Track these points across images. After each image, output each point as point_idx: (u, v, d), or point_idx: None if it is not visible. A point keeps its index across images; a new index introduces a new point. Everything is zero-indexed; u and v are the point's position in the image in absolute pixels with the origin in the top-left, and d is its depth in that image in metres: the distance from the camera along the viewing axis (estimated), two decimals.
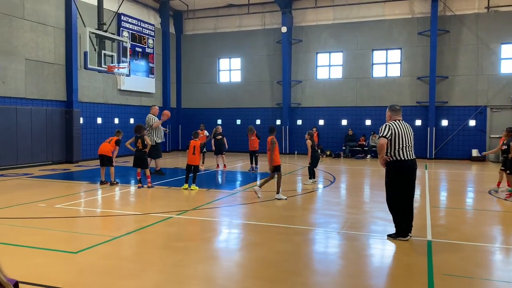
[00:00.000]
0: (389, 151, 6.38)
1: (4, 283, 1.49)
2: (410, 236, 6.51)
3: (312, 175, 12.48)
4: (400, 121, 6.55)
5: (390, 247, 6.27)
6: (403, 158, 6.35)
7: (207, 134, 16.86)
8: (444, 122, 20.57)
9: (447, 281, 4.87)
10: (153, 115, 14.56)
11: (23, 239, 6.42)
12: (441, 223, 7.91)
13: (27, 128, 15.71)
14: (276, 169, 10.06)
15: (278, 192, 10.00)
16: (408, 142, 6.40)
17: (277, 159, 10.06)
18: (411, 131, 6.58)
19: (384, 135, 6.34)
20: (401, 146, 6.34)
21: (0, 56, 14.73)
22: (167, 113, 14.65)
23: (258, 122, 23.23)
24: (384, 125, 6.49)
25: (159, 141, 14.34)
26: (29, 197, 9.67)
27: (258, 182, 10.12)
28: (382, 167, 6.64)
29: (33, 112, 15.96)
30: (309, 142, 10.86)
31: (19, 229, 7.11)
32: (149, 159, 12.41)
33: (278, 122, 23.34)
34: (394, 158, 6.38)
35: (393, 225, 6.66)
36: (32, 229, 6.89)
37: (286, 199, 9.87)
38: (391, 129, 6.36)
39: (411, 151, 6.45)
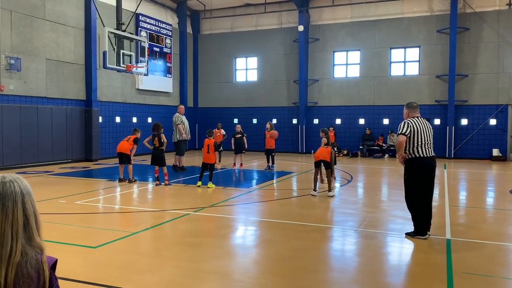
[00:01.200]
0: (407, 148, 6.31)
1: (43, 262, 1.56)
2: (429, 235, 6.42)
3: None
4: (419, 118, 6.47)
5: (408, 245, 6.20)
6: (422, 155, 6.27)
7: (224, 133, 16.92)
8: (464, 121, 20.22)
9: (467, 279, 4.80)
10: (180, 114, 15.05)
11: (44, 234, 6.49)
12: (461, 222, 7.79)
13: (47, 127, 16.00)
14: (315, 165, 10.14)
15: (315, 189, 10.18)
16: (427, 139, 6.32)
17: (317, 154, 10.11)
18: (431, 128, 6.50)
19: (403, 132, 6.27)
20: (420, 143, 6.26)
21: (22, 56, 15.03)
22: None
23: (274, 121, 23.18)
24: (403, 122, 6.42)
25: (181, 138, 14.73)
26: (50, 193, 9.85)
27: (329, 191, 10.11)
28: (400, 164, 6.56)
29: (53, 111, 16.25)
30: (324, 140, 10.58)
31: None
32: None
33: (295, 121, 23.27)
34: (413, 155, 6.30)
35: (411, 223, 6.59)
36: (53, 225, 7.02)
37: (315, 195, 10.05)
38: (410, 126, 6.29)
39: (430, 148, 6.37)
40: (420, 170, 6.33)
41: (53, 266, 1.62)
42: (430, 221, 6.49)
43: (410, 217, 7.39)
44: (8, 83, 14.66)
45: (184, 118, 15.19)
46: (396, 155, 6.51)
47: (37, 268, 1.53)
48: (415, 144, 6.27)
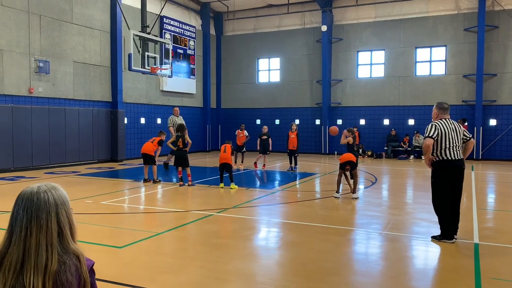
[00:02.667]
0: (435, 150, 6.17)
1: (82, 267, 1.63)
2: (456, 239, 6.28)
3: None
4: (448, 119, 6.31)
5: (434, 249, 6.09)
6: (450, 158, 6.12)
7: (247, 134, 16.98)
8: (492, 122, 19.71)
9: (495, 284, 4.68)
10: (174, 115, 15.78)
11: None
12: (489, 226, 7.60)
13: (74, 128, 16.37)
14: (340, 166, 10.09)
15: (338, 191, 10.11)
16: (456, 142, 6.16)
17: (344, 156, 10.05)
18: (460, 129, 6.30)
19: (430, 135, 6.13)
20: (448, 145, 6.11)
21: (51, 59, 15.42)
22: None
23: (297, 122, 23.08)
24: (430, 124, 6.26)
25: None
26: (77, 193, 10.08)
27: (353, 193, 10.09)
28: (427, 167, 6.42)
29: (80, 113, 16.61)
30: (350, 140, 10.36)
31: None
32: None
33: (318, 122, 23.14)
34: (441, 158, 6.16)
35: (438, 226, 6.46)
36: (79, 224, 7.12)
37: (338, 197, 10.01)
38: (438, 129, 6.14)
39: (458, 150, 6.20)
40: (448, 173, 6.18)
41: (91, 269, 1.69)
42: (457, 225, 6.35)
43: (436, 220, 7.25)
44: (37, 85, 15.07)
45: (178, 119, 15.76)
46: (423, 158, 6.37)
47: (78, 274, 1.59)
48: (443, 146, 6.13)
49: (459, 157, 6.19)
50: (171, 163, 15.12)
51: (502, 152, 19.34)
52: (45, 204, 1.58)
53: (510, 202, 10.30)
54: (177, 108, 16.30)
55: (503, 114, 19.66)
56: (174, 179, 12.96)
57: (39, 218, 1.56)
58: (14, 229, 1.56)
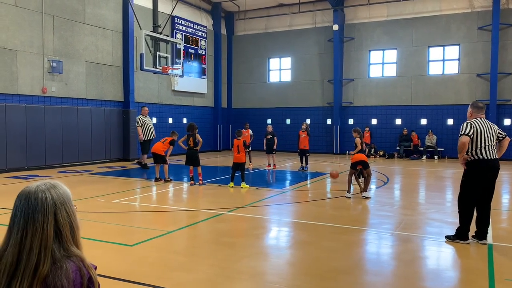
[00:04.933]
0: (470, 149, 6.07)
1: (88, 267, 1.56)
2: (470, 240, 6.18)
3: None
4: (482, 118, 6.21)
5: (447, 250, 6.01)
6: (485, 158, 6.02)
7: (251, 133, 16.94)
8: (507, 121, 19.43)
9: (510, 286, 4.60)
10: (143, 115, 16.02)
11: (84, 232, 6.69)
12: (503, 227, 7.49)
13: (87, 127, 16.52)
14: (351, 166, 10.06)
15: (348, 191, 10.04)
16: (491, 141, 6.05)
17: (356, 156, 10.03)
18: (495, 129, 6.19)
19: (466, 132, 6.02)
20: (483, 144, 6.00)
21: (64, 59, 15.57)
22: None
23: (308, 121, 22.97)
24: (465, 123, 6.17)
25: (147, 138, 15.86)
26: (89, 192, 10.16)
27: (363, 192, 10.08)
28: (462, 166, 6.29)
29: (92, 112, 16.76)
30: (358, 140, 10.23)
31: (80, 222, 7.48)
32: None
33: (329, 121, 23.04)
34: (476, 157, 6.05)
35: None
36: (92, 222, 7.23)
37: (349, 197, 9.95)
38: (473, 127, 6.05)
39: (493, 150, 6.08)
40: (482, 173, 6.06)
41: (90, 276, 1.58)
42: (487, 228, 6.20)
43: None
44: (51, 85, 15.24)
45: (146, 119, 16.06)
46: (458, 156, 6.26)
47: (78, 278, 1.50)
48: (478, 146, 6.02)
49: (494, 157, 6.07)
50: (144, 161, 15.74)
51: None
52: (43, 205, 1.51)
53: None
54: (146, 108, 16.53)
55: None
56: (185, 178, 13.00)
57: (35, 220, 1.49)
58: (12, 231, 1.50)
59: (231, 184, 11.36)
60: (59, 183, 1.61)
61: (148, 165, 15.59)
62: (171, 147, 12.60)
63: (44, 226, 1.49)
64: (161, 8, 17.77)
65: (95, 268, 1.60)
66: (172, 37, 20.02)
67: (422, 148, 20.58)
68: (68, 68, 15.82)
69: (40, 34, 14.85)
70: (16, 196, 1.56)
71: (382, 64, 22.24)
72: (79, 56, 16.32)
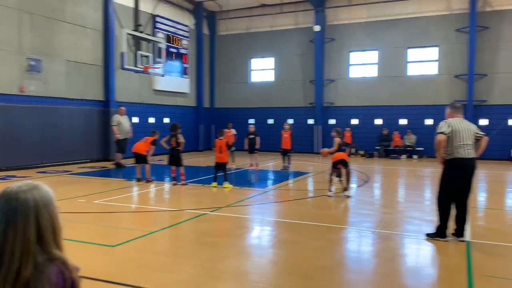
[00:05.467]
0: (447, 149, 6.20)
1: (71, 268, 1.52)
2: (449, 238, 6.32)
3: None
4: (460, 118, 6.35)
5: (426, 247, 6.14)
6: (463, 157, 6.15)
7: (235, 132, 16.94)
8: (483, 121, 19.87)
9: (487, 282, 4.73)
10: (119, 115, 16.12)
11: (64, 233, 6.63)
12: (481, 224, 7.68)
13: (67, 127, 16.26)
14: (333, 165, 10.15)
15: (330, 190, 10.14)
16: (468, 140, 6.18)
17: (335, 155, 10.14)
18: (472, 129, 6.31)
19: (442, 131, 6.16)
20: (460, 143, 6.13)
21: (43, 57, 15.31)
22: None
23: (290, 121, 23.07)
24: (443, 122, 6.31)
25: (123, 137, 16.05)
26: (70, 192, 10.02)
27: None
28: (440, 165, 6.42)
29: (73, 112, 16.51)
30: (337, 140, 10.24)
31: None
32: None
33: (311, 121, 23.19)
34: (453, 156, 6.18)
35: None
36: (73, 223, 7.14)
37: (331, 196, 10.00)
38: (450, 126, 6.18)
39: (470, 149, 6.21)
40: (460, 172, 6.19)
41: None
42: (464, 226, 6.34)
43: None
44: (29, 84, 14.95)
45: (123, 118, 16.17)
46: (436, 155, 6.38)
47: (61, 281, 1.46)
48: (455, 145, 6.15)
49: (470, 156, 6.20)
50: (119, 160, 15.86)
51: (493, 151, 19.45)
52: (24, 207, 1.45)
53: (501, 200, 10.42)
54: (123, 108, 16.56)
55: (493, 114, 19.84)
56: (167, 178, 12.93)
57: (16, 223, 1.43)
58: None
59: (214, 184, 11.34)
60: (41, 183, 1.57)
61: (124, 165, 15.69)
62: (153, 146, 12.51)
63: (26, 229, 1.44)
64: (143, 7, 17.65)
65: (78, 271, 1.56)
66: (154, 36, 19.87)
67: (402, 148, 20.89)
68: (47, 67, 15.55)
69: (18, 32, 14.56)
70: None
71: (363, 65, 22.49)
72: (59, 55, 16.06)
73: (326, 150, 10.76)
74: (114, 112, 17.94)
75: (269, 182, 13.34)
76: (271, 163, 18.19)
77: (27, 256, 1.42)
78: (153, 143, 12.39)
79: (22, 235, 1.43)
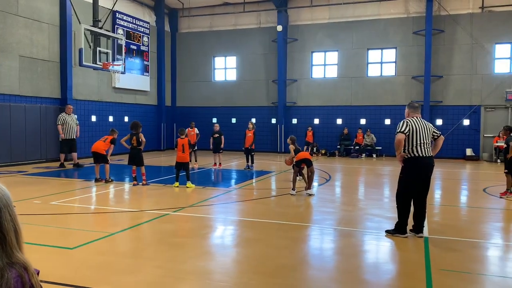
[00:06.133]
0: (406, 147, 6.35)
1: (31, 272, 1.44)
2: (408, 234, 6.51)
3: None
4: (418, 118, 6.52)
5: (386, 243, 6.29)
6: (421, 155, 6.31)
7: (197, 132, 16.77)
8: (439, 121, 20.65)
9: (445, 276, 4.90)
10: (66, 114, 15.90)
11: None
12: (437, 220, 7.95)
13: (21, 126, 15.57)
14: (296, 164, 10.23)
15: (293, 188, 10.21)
16: (426, 139, 6.35)
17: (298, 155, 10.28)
18: (430, 128, 6.50)
19: (401, 130, 6.30)
20: (418, 142, 6.30)
21: None
22: None
23: (253, 120, 23.11)
24: (402, 121, 6.46)
25: (69, 137, 15.85)
26: (24, 194, 9.60)
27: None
28: (399, 163, 6.55)
29: (27, 110, 15.83)
30: (292, 147, 10.59)
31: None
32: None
33: (274, 121, 23.32)
34: (412, 155, 6.34)
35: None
36: (28, 226, 6.83)
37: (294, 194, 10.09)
38: (409, 125, 6.34)
39: (428, 148, 6.39)
40: (419, 170, 6.36)
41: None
42: (423, 223, 6.53)
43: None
44: None
45: (70, 117, 15.98)
46: (396, 154, 6.53)
47: (19, 286, 1.39)
48: (414, 144, 6.31)
49: (428, 154, 6.39)
50: (62, 160, 15.64)
51: (448, 150, 20.29)
52: None
53: (455, 197, 10.85)
54: (71, 106, 16.31)
55: (449, 114, 20.65)
56: (127, 178, 12.63)
57: None
58: None
59: (176, 184, 11.18)
60: None
61: (64, 164, 15.56)
62: (112, 146, 12.18)
63: None
64: (102, 2, 17.09)
65: (38, 273, 1.48)
66: (113, 32, 19.37)
67: (362, 147, 21.36)
68: None
69: None
70: None
71: (324, 65, 22.84)
72: (12, 50, 15.36)
73: (287, 159, 11.19)
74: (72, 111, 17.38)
75: (233, 181, 13.30)
76: (234, 162, 18.15)
77: None
78: (112, 142, 12.09)
79: None
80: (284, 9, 22.50)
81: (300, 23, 22.86)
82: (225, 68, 24.68)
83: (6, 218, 1.40)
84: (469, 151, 20.08)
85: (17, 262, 1.41)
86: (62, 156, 15.74)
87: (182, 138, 11.37)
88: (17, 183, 11.58)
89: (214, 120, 23.69)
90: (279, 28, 22.16)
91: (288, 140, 10.84)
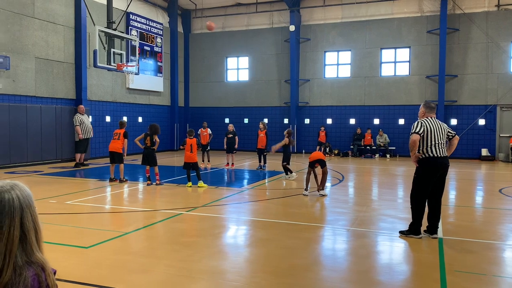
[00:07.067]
0: (421, 148, 6.30)
1: (48, 272, 1.48)
2: (437, 236, 6.44)
3: (287, 171, 13.02)
4: (433, 118, 6.46)
5: (400, 244, 6.24)
6: (436, 155, 6.26)
7: (210, 132, 16.82)
8: (453, 121, 20.41)
9: (459, 277, 4.84)
10: (80, 114, 16.26)
11: None
12: (451, 221, 7.86)
13: (36, 126, 15.81)
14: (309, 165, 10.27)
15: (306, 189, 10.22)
16: (441, 139, 6.30)
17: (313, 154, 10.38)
18: (445, 128, 6.44)
19: (416, 131, 6.26)
20: (433, 143, 6.25)
21: (11, 54, 14.84)
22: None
23: (266, 121, 23.15)
24: (416, 122, 6.41)
25: (86, 137, 16.22)
26: (40, 193, 9.75)
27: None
28: (414, 164, 6.50)
29: (42, 110, 16.07)
30: (286, 141, 12.25)
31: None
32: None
33: (286, 121, 23.30)
34: (427, 155, 6.28)
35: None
36: (44, 225, 6.90)
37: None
38: (424, 126, 6.29)
39: (443, 148, 6.34)
40: (434, 170, 6.30)
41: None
42: (437, 223, 6.47)
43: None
44: None
45: (84, 117, 16.32)
46: (410, 154, 6.49)
47: (36, 284, 1.43)
48: (429, 144, 6.26)
49: (443, 155, 6.33)
50: (81, 160, 15.89)
51: (463, 150, 20.06)
52: (10, 207, 1.42)
53: (471, 198, 10.71)
54: (83, 106, 16.62)
55: (463, 114, 20.40)
56: (141, 178, 12.74)
57: (1, 224, 1.40)
58: None
59: (189, 183, 11.24)
60: (20, 183, 1.52)
61: (86, 164, 15.85)
62: (126, 141, 12.13)
63: (11, 230, 1.41)
64: (116, 4, 17.33)
65: (55, 273, 1.53)
66: (127, 33, 19.56)
67: (375, 147, 21.23)
68: (15, 64, 15.09)
69: None
70: None
71: (337, 65, 22.74)
72: (28, 52, 15.62)
73: (275, 146, 12.71)
74: (86, 112, 17.59)
75: (245, 181, 13.32)
76: (246, 162, 18.17)
77: (9, 257, 1.39)
78: (125, 135, 12.08)
79: (7, 236, 1.40)
80: (296, 9, 22.46)
81: (313, 22, 22.79)
82: (238, 69, 24.73)
83: (27, 218, 1.46)
84: (484, 151, 19.81)
85: (36, 261, 1.45)
86: (78, 156, 15.96)
87: (190, 138, 11.43)
88: (33, 182, 11.76)
89: (227, 120, 23.78)
90: (292, 28, 22.14)
91: (285, 132, 12.25)
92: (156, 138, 11.64)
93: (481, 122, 20.10)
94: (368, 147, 21.30)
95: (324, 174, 10.14)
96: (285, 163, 12.94)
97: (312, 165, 10.18)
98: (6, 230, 1.41)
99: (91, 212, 8.51)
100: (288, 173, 12.99)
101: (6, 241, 1.40)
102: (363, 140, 21.47)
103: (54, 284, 1.49)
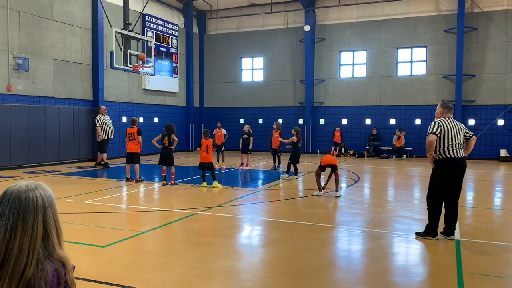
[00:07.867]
0: (438, 148, 6.23)
1: (68, 268, 1.56)
2: (439, 236, 6.37)
3: (288, 170, 13.19)
4: (450, 118, 6.38)
5: (416, 246, 6.18)
6: (453, 156, 6.18)
7: (225, 132, 16.86)
8: (471, 122, 20.10)
9: (477, 280, 4.78)
10: (102, 115, 16.39)
11: None
12: (469, 223, 7.75)
13: (54, 127, 16.08)
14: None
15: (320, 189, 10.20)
16: (458, 140, 6.22)
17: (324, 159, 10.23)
18: (462, 129, 6.36)
19: (433, 131, 6.19)
20: (450, 143, 6.17)
21: (30, 56, 15.12)
22: None
23: (280, 121, 23.12)
24: (433, 122, 6.34)
25: (105, 137, 16.33)
26: (58, 193, 9.88)
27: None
28: (430, 165, 6.42)
29: (60, 111, 16.33)
30: (294, 138, 12.67)
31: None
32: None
33: (301, 121, 23.24)
34: (444, 156, 6.21)
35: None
36: (62, 224, 7.04)
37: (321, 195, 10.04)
38: (440, 126, 6.21)
39: (460, 148, 6.25)
40: (450, 171, 6.23)
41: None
42: (454, 224, 6.39)
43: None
44: (16, 83, 14.76)
45: (106, 118, 16.46)
46: (427, 155, 6.41)
47: (57, 282, 1.50)
48: (446, 145, 6.18)
49: (461, 155, 6.25)
50: (105, 160, 16.03)
51: (481, 151, 19.74)
52: (33, 205, 1.48)
53: (488, 200, 10.54)
54: (104, 107, 16.80)
55: (481, 114, 20.08)
56: (157, 178, 12.85)
57: (25, 221, 1.46)
58: None
59: (204, 184, 11.30)
60: (43, 184, 1.59)
61: (109, 164, 15.93)
62: (140, 137, 12.19)
63: (34, 227, 1.48)
64: (132, 5, 17.50)
65: (73, 268, 1.61)
66: (143, 35, 19.74)
67: (391, 148, 21.01)
68: (34, 65, 15.37)
69: (5, 30, 14.37)
70: (1, 195, 1.52)
71: (353, 65, 22.60)
72: (46, 53, 15.88)
73: (283, 140, 13.65)
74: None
75: (260, 182, 13.33)
76: (261, 162, 18.18)
77: (33, 253, 1.47)
78: (139, 133, 12.16)
79: (30, 233, 1.47)
80: (311, 9, 22.39)
81: (328, 22, 22.69)
82: (252, 69, 24.76)
83: (49, 217, 1.53)
84: (503, 152, 19.46)
85: (57, 257, 1.53)
86: (104, 155, 16.16)
87: (206, 139, 11.51)
88: (51, 182, 11.96)
89: (241, 120, 23.82)
90: (307, 28, 22.08)
91: (293, 131, 12.90)
92: (174, 137, 11.73)
93: (500, 122, 19.75)
94: (399, 150, 20.59)
95: (337, 176, 10.06)
96: (290, 161, 13.19)
97: (323, 169, 10.12)
98: (30, 227, 1.47)
99: (108, 211, 8.61)
100: (289, 172, 13.15)
101: (30, 237, 1.47)
102: (396, 142, 20.84)
103: (73, 281, 1.56)
